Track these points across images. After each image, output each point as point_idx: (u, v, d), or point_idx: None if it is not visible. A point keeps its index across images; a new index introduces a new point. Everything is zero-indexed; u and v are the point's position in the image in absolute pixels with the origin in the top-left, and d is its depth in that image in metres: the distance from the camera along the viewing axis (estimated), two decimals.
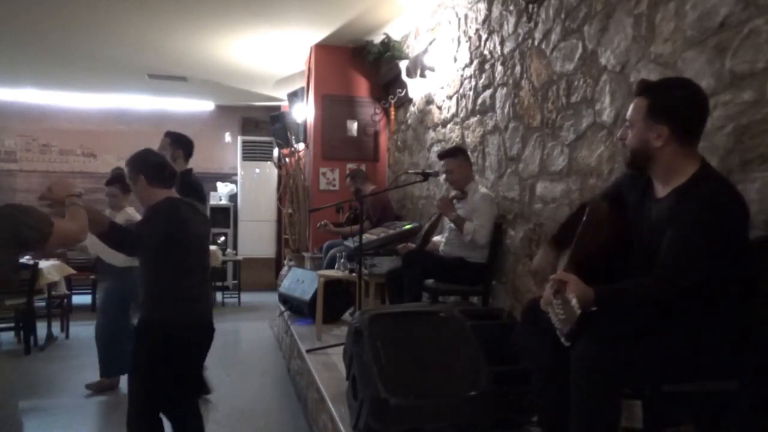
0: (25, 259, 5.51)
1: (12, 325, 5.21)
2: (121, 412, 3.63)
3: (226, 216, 9.07)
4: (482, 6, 3.89)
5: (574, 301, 1.59)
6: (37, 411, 3.66)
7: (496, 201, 3.60)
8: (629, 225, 1.85)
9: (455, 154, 3.63)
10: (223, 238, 8.97)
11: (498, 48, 3.66)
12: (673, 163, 1.71)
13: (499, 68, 3.66)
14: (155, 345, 2.25)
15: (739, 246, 1.62)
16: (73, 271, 5.94)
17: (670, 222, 1.66)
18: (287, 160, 6.47)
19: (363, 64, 6.01)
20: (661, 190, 1.76)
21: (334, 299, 4.50)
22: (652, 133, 1.70)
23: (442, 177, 3.72)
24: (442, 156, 3.68)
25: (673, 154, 1.70)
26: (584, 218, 1.91)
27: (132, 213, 4.08)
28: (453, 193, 3.66)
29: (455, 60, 4.34)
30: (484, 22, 3.88)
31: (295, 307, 4.80)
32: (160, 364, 2.24)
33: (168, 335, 2.25)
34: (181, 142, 3.69)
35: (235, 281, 8.35)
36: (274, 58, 6.49)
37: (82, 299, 7.24)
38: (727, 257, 1.59)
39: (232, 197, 9.18)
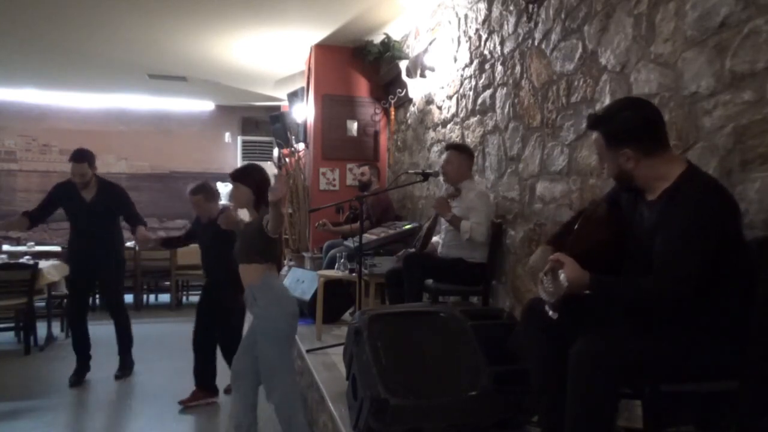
0: (25, 259, 5.53)
1: (12, 325, 5.22)
2: (121, 412, 3.65)
3: None
4: (482, 6, 3.89)
5: (562, 276, 1.69)
6: (37, 411, 3.66)
7: (496, 201, 3.60)
8: (626, 228, 1.85)
9: (460, 149, 3.66)
10: None
11: (498, 48, 3.66)
12: (654, 174, 1.75)
13: (499, 68, 3.66)
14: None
15: (735, 244, 1.63)
16: None
17: (661, 225, 1.68)
18: (287, 160, 6.47)
19: (363, 64, 6.00)
20: (651, 194, 1.79)
21: (334, 299, 4.50)
22: (621, 159, 1.76)
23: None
24: (448, 147, 3.74)
25: (650, 166, 1.75)
26: (584, 215, 1.91)
27: None
28: (447, 191, 3.67)
29: (455, 60, 4.34)
30: (484, 22, 3.88)
31: None
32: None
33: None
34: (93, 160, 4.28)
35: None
36: (274, 58, 6.48)
37: None
38: (723, 256, 1.60)
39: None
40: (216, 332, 3.84)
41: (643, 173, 1.76)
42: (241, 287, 2.81)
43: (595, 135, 1.86)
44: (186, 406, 3.73)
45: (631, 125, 1.75)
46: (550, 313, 1.78)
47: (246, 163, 3.03)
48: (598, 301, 1.77)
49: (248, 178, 2.79)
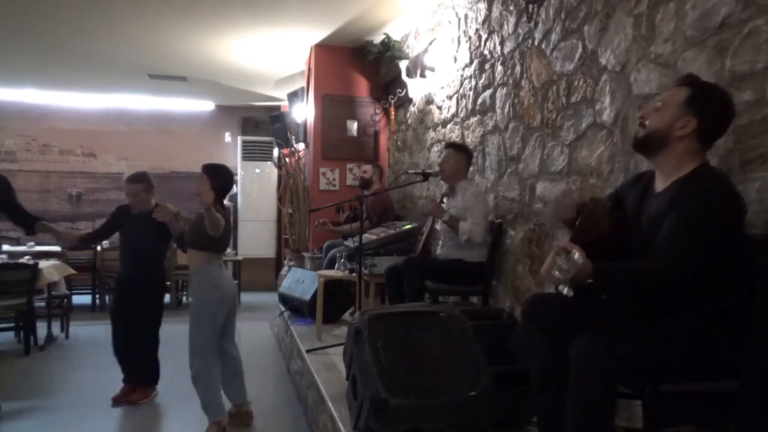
0: (25, 259, 5.52)
1: (12, 325, 5.21)
2: (121, 411, 3.65)
3: None
4: (482, 6, 3.89)
5: (576, 255, 1.61)
6: (37, 411, 3.66)
7: (496, 201, 3.60)
8: (628, 226, 1.85)
9: (458, 148, 3.68)
10: None
11: (498, 48, 3.66)
12: (682, 157, 1.74)
13: (499, 68, 3.66)
14: None
15: (738, 242, 1.63)
16: (73, 271, 5.94)
17: (670, 210, 1.68)
18: (287, 160, 6.47)
19: (363, 64, 6.01)
20: (661, 184, 1.79)
21: (334, 299, 4.50)
22: (680, 122, 1.72)
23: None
24: (447, 145, 3.77)
25: (687, 148, 1.73)
26: (585, 210, 1.91)
27: None
28: (444, 192, 3.68)
29: (455, 60, 4.34)
30: (484, 22, 3.88)
31: (295, 307, 4.79)
32: None
33: None
34: None
35: (235, 281, 8.31)
36: (274, 58, 6.48)
37: (82, 299, 7.24)
38: (726, 252, 1.60)
39: (232, 197, 9.17)
40: (141, 329, 3.81)
41: (678, 148, 1.74)
42: (163, 282, 3.43)
43: (678, 88, 1.76)
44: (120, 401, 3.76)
45: (717, 106, 1.72)
46: (565, 291, 1.69)
47: (220, 164, 3.40)
48: (604, 287, 1.75)
49: (215, 176, 3.20)
